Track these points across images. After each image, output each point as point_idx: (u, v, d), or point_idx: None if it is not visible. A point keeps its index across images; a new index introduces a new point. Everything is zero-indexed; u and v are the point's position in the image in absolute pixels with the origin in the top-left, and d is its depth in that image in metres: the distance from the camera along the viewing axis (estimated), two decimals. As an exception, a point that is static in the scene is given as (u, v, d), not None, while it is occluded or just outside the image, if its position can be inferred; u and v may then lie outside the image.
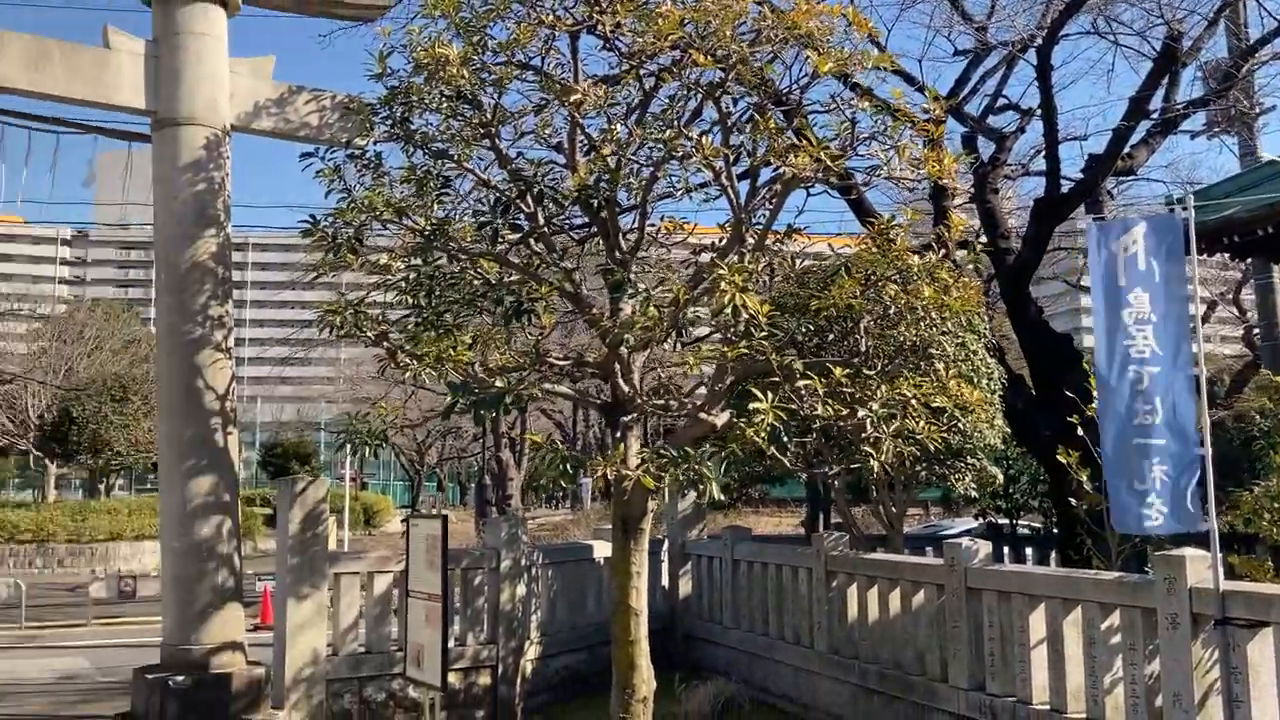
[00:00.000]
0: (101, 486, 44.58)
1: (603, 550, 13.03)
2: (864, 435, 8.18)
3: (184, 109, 9.84)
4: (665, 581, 13.83)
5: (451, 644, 9.61)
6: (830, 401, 7.79)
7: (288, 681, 9.70)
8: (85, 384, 38.47)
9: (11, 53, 9.27)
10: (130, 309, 53.25)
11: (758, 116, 8.32)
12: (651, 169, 8.85)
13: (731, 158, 8.40)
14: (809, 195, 9.23)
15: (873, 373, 8.49)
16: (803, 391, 7.90)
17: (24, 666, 15.60)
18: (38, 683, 14.14)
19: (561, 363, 10.15)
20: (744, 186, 8.90)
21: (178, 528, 9.55)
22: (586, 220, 10.24)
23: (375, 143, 9.53)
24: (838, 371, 7.78)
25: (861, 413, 7.87)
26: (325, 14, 11.16)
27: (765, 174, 8.84)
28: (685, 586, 13.86)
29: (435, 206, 9.30)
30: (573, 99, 8.28)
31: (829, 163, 7.75)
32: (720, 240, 8.93)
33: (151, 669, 9.51)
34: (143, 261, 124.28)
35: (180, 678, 9.06)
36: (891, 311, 8.71)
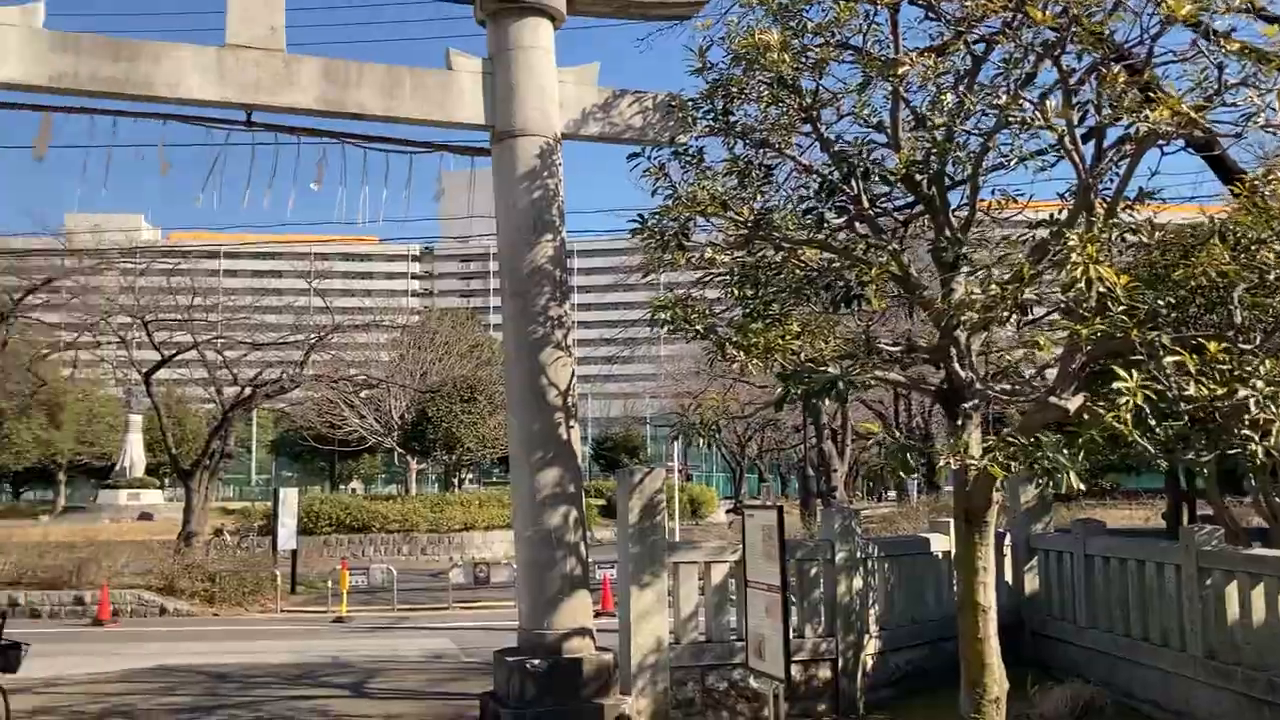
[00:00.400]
0: (455, 480, 48.44)
1: (940, 544, 12.55)
2: (1245, 417, 7.30)
3: (518, 121, 10.38)
4: (1009, 577, 13.09)
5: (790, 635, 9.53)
6: (1204, 380, 7.01)
7: (634, 668, 10.01)
8: (437, 386, 41.94)
9: (368, 82, 10.16)
10: (473, 316, 57.56)
11: (1102, 71, 7.66)
12: (982, 139, 8.38)
13: (1075, 119, 7.78)
14: (1163, 155, 8.40)
15: (1251, 347, 7.58)
16: (1169, 370, 7.16)
17: (399, 645, 17.15)
18: (411, 660, 15.47)
19: (891, 349, 9.84)
20: (1088, 150, 8.23)
21: (529, 517, 10.08)
22: (911, 200, 9.88)
23: (696, 138, 9.66)
24: (1212, 346, 6.98)
25: (1243, 392, 7.01)
26: (644, 16, 11.43)
27: (1112, 135, 8.15)
28: (1031, 582, 13.06)
29: (758, 196, 9.30)
30: (900, 71, 7.96)
31: (1191, 115, 6.99)
32: (1060, 212, 8.28)
33: (510, 651, 10.11)
34: (481, 272, 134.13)
35: (536, 661, 9.55)
36: (1271, 277, 7.74)
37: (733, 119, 9.27)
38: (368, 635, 18.55)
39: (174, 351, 32.22)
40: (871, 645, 11.23)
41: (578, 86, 10.82)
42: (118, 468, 51.41)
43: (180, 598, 22.04)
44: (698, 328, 9.12)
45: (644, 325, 9.49)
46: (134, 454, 51.27)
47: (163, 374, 33.89)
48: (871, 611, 11.41)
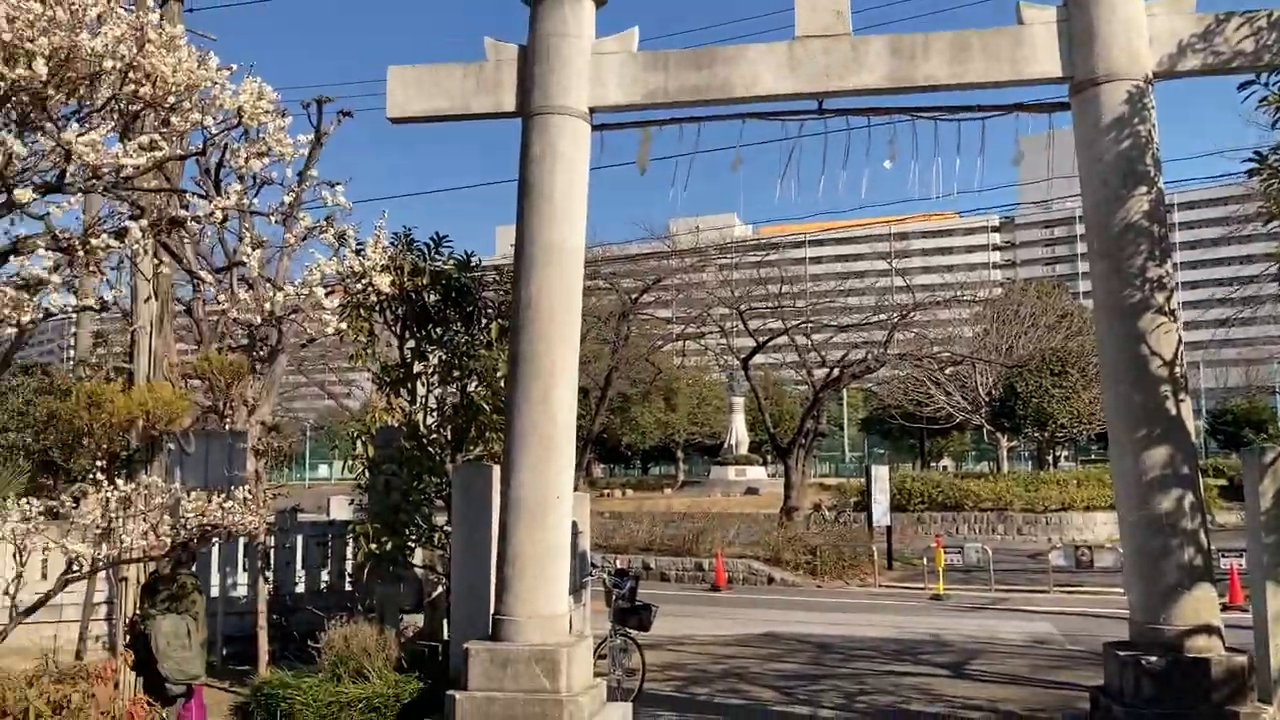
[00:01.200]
0: (1049, 458, 46.21)
1: None
2: None
3: (1101, 66, 9.48)
4: None
5: None
6: None
7: (1274, 674, 8.71)
8: (1025, 360, 40.28)
9: (934, 52, 9.90)
10: (1059, 285, 54.53)
11: None
12: None
13: None
14: None
15: None
16: None
17: (997, 626, 16.69)
18: (1012, 644, 14.96)
19: None
20: None
21: (1134, 500, 9.20)
22: None
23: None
24: None
25: None
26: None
27: None
28: None
29: None
30: None
31: None
32: None
33: (1121, 645, 9.29)
34: (1066, 238, 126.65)
35: (1153, 658, 8.67)
36: None
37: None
38: (964, 615, 18.29)
39: (767, 338, 34.49)
40: None
41: (1170, 17, 9.62)
42: (725, 446, 56.25)
43: (785, 568, 23.46)
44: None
45: (1267, 280, 8.18)
46: (738, 433, 55.75)
47: (758, 359, 36.40)
48: None
